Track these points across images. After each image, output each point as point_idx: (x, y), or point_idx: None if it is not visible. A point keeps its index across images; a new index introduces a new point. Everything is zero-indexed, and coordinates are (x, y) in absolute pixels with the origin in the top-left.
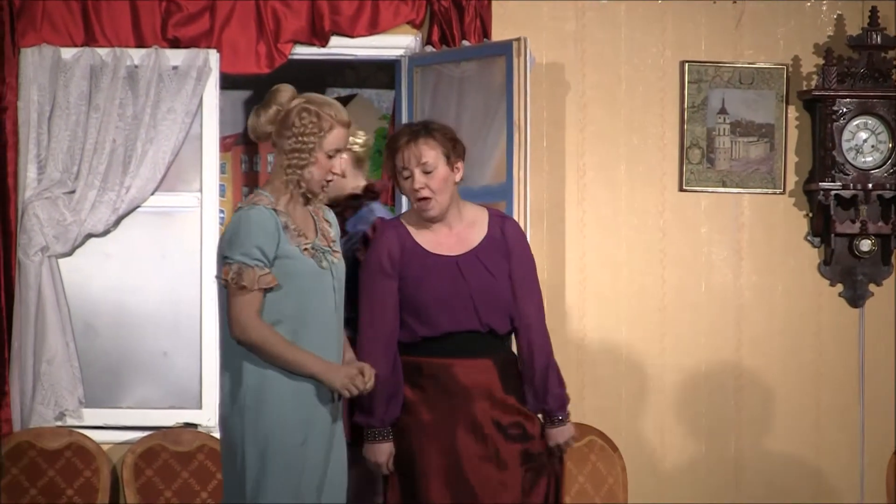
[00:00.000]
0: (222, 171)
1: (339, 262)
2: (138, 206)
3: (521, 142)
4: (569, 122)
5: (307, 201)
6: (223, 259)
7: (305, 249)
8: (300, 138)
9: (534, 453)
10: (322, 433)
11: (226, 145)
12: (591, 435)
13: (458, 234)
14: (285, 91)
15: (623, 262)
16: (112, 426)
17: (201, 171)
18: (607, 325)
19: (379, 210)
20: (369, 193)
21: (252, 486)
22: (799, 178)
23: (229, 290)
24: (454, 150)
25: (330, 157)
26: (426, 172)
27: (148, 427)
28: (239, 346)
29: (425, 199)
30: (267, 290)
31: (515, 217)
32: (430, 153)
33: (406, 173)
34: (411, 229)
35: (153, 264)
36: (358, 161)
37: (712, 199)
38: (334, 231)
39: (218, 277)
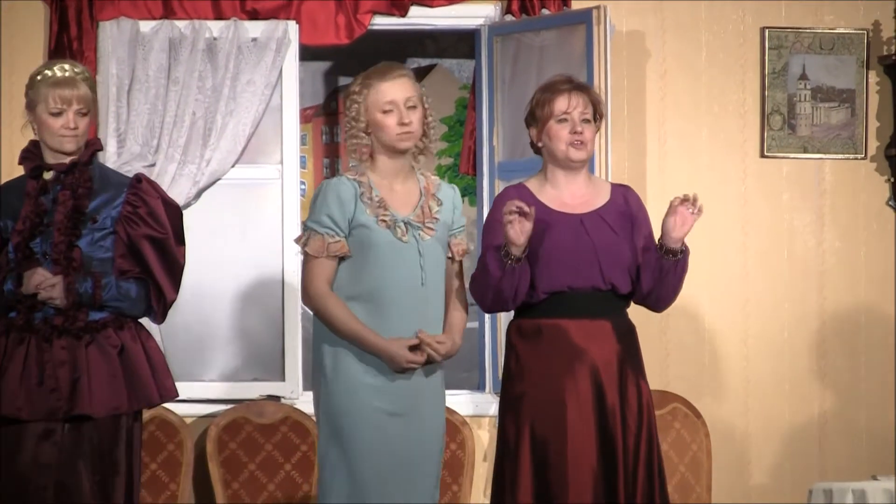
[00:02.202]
0: (303, 142)
1: (432, 240)
2: (219, 179)
3: (602, 113)
4: (649, 90)
5: (408, 169)
6: (302, 226)
7: (382, 220)
8: (348, 113)
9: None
10: (395, 412)
11: (306, 117)
12: (675, 402)
13: (582, 195)
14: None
15: (705, 230)
16: (195, 399)
17: (282, 143)
18: (690, 293)
19: None
20: None
21: (321, 462)
22: (880, 144)
23: (304, 257)
24: (601, 111)
25: (385, 111)
26: (584, 121)
27: (231, 400)
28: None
29: (581, 143)
30: (342, 260)
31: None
32: (589, 108)
33: (565, 117)
34: (534, 190)
35: (234, 237)
36: None
37: (794, 165)
38: (444, 210)
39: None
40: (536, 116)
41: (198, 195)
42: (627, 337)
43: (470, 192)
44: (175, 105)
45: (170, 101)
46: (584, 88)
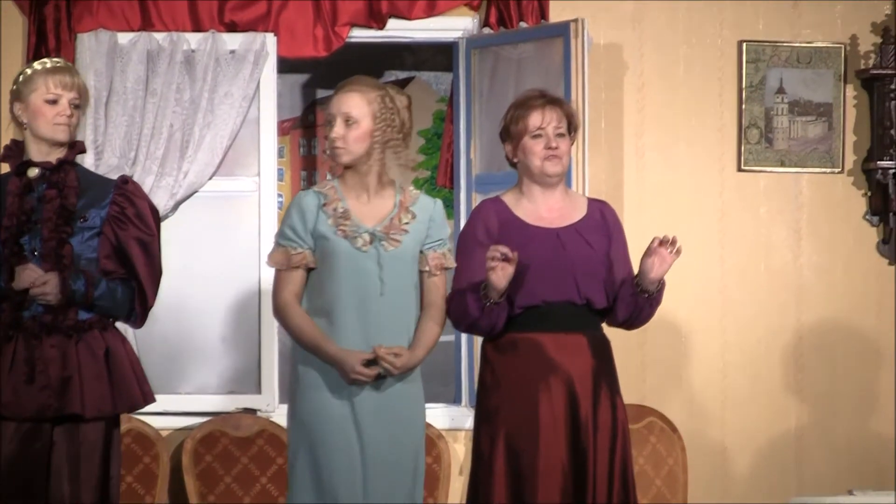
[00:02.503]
0: (280, 154)
1: (395, 250)
2: (196, 192)
3: (579, 124)
4: (627, 103)
5: (379, 182)
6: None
7: (341, 230)
8: None
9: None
10: (350, 424)
11: (283, 129)
12: (651, 416)
13: (559, 209)
14: None
15: (682, 244)
16: (171, 412)
17: (259, 156)
18: (667, 307)
19: None
20: None
21: (289, 468)
22: (857, 157)
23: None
24: (575, 123)
25: (328, 124)
26: (558, 135)
27: (207, 413)
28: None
29: (556, 157)
30: (309, 271)
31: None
32: (563, 120)
33: (539, 132)
34: (510, 204)
35: (211, 249)
36: None
37: (771, 178)
38: (417, 222)
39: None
40: (511, 132)
41: (175, 207)
42: (602, 351)
43: (447, 205)
44: (153, 117)
45: (147, 113)
46: (557, 102)
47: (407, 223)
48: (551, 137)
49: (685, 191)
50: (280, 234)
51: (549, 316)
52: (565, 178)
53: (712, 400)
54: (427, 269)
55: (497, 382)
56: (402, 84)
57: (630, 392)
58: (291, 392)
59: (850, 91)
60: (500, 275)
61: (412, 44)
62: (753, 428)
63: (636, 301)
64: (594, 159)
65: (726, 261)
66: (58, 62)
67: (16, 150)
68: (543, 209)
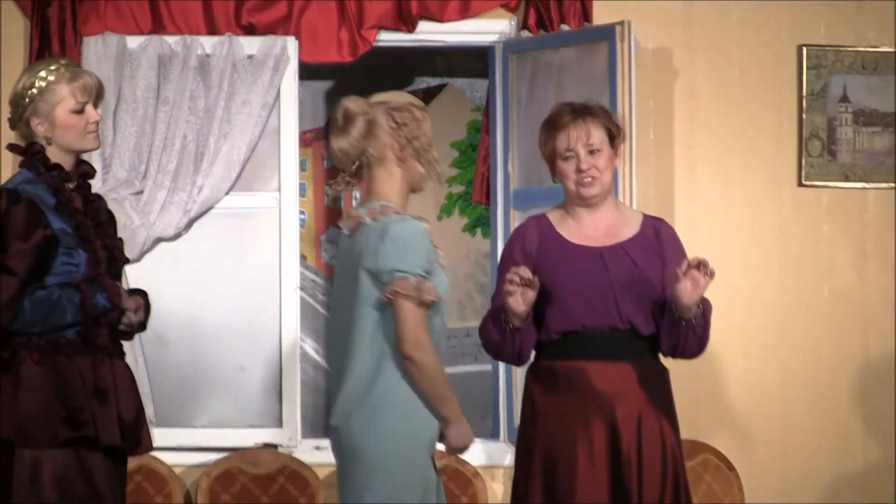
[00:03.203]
0: (302, 168)
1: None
2: (211, 208)
3: (626, 134)
4: (677, 111)
5: None
6: (395, 272)
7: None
8: (405, 135)
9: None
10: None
11: (306, 140)
12: (706, 453)
13: (607, 226)
14: (357, 100)
15: (737, 265)
16: (185, 447)
17: (279, 169)
18: (721, 334)
19: None
20: None
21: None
22: None
23: (403, 304)
24: (617, 130)
25: (565, 158)
26: (592, 153)
27: (224, 448)
28: (392, 369)
29: (591, 179)
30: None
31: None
32: (597, 133)
33: (569, 154)
34: (555, 221)
35: (228, 270)
36: None
37: (834, 194)
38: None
39: (381, 290)
40: (545, 155)
41: (189, 225)
42: (653, 381)
43: (483, 223)
44: (164, 127)
45: (159, 122)
46: (588, 113)
47: None
48: (582, 158)
49: (740, 208)
50: (422, 266)
51: (590, 342)
52: (613, 192)
53: (771, 436)
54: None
55: (535, 416)
56: (433, 92)
57: (683, 427)
58: (384, 424)
59: None
60: (518, 300)
61: (444, 48)
62: (817, 466)
63: (676, 329)
64: (641, 173)
65: (785, 284)
66: (68, 64)
67: (43, 156)
68: (589, 227)
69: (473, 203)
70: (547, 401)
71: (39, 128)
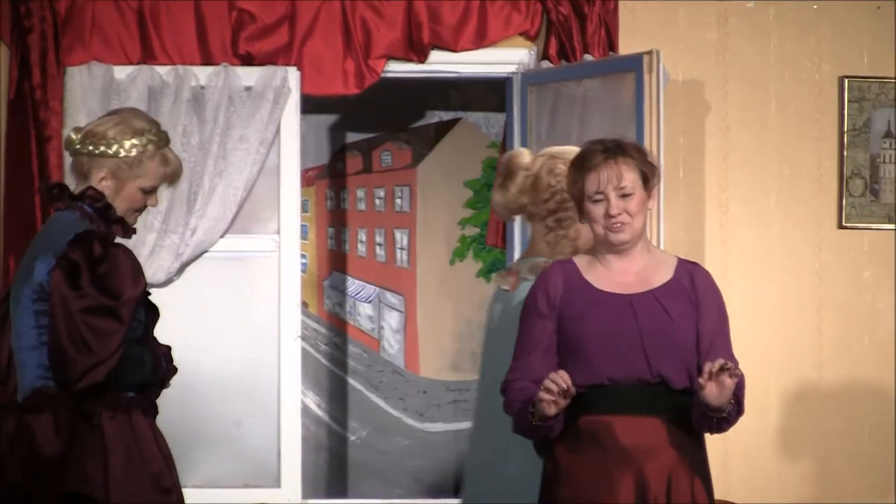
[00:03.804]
0: (304, 209)
1: None
2: (205, 251)
3: (658, 171)
4: (709, 148)
5: None
6: None
7: None
8: (560, 195)
9: None
10: None
11: (308, 179)
12: None
13: (638, 272)
14: (523, 153)
15: (773, 312)
16: None
17: (279, 210)
18: (756, 385)
19: None
20: None
21: None
22: None
23: None
24: (652, 171)
25: (595, 201)
26: (624, 196)
27: None
28: None
29: (621, 225)
30: None
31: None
32: (630, 175)
33: (599, 197)
34: (582, 267)
35: (223, 319)
36: None
37: (877, 237)
38: None
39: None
40: (573, 195)
41: (181, 270)
42: (686, 439)
43: (498, 268)
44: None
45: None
46: (621, 153)
47: None
48: (612, 202)
49: (777, 252)
50: None
51: (617, 396)
52: (645, 235)
53: (810, 494)
54: None
55: (557, 475)
56: (446, 126)
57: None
58: None
59: None
60: (553, 408)
61: (458, 79)
62: None
63: (709, 421)
64: (671, 214)
65: (824, 333)
66: (165, 138)
67: (105, 203)
68: (618, 273)
69: (489, 246)
70: (569, 458)
71: (103, 182)
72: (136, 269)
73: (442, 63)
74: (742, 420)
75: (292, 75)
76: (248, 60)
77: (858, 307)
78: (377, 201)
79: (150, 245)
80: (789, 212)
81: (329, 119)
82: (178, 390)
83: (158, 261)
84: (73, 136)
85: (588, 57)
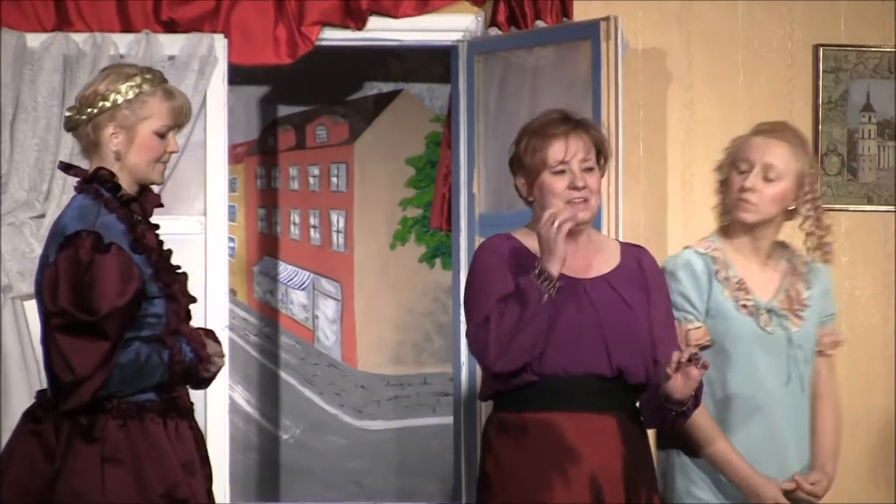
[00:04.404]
0: (232, 188)
1: (802, 329)
2: None
3: (612, 148)
4: (672, 122)
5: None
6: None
7: (744, 306)
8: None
9: None
10: None
11: (236, 156)
12: None
13: (584, 256)
14: None
15: None
16: None
17: (205, 189)
18: None
19: None
20: None
21: None
22: None
23: None
24: (608, 154)
25: (556, 173)
26: (586, 169)
27: None
28: None
29: (584, 201)
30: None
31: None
32: (592, 148)
33: (562, 168)
34: (529, 245)
35: None
36: None
37: (856, 219)
38: (812, 292)
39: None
40: (525, 165)
41: None
42: (638, 439)
43: (443, 253)
44: (71, 140)
45: (65, 134)
46: (584, 126)
47: (806, 295)
48: (577, 174)
49: None
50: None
51: (569, 391)
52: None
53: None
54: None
55: (502, 477)
56: (386, 99)
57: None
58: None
59: None
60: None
61: (399, 48)
62: None
63: (665, 416)
64: (630, 194)
65: None
66: (162, 78)
67: (114, 183)
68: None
69: (432, 229)
70: (515, 458)
71: (114, 139)
72: (126, 275)
73: (381, 30)
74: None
75: (219, 43)
76: (171, 27)
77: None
78: (311, 180)
79: None
80: None
81: (259, 91)
82: None
83: None
84: (70, 113)
85: (540, 23)
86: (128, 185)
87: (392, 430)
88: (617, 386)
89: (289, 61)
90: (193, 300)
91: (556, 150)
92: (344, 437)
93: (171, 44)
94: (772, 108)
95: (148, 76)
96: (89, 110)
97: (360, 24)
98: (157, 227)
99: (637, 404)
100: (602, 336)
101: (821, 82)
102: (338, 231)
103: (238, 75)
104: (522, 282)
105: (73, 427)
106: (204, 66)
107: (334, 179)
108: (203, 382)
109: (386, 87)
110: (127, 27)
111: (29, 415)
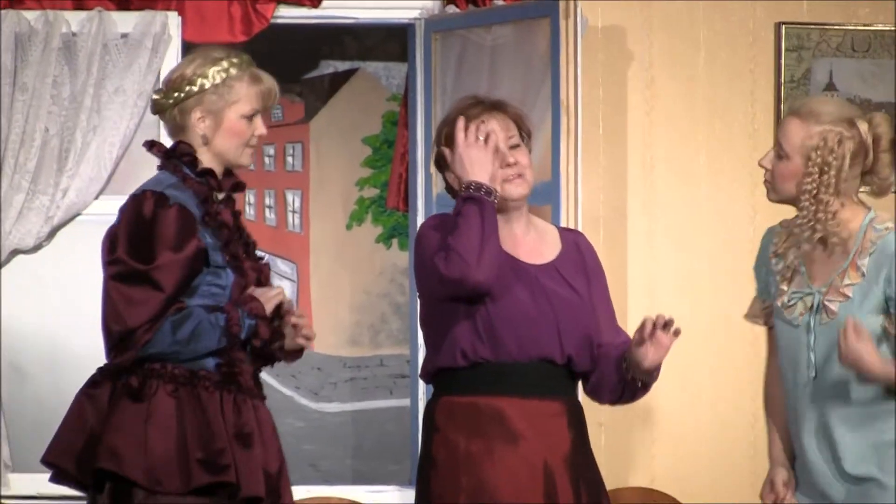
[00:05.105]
0: None
1: (833, 321)
2: (78, 214)
3: (571, 128)
4: (632, 102)
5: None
6: None
7: (781, 296)
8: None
9: None
10: None
11: None
12: (663, 503)
13: (528, 243)
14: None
15: (703, 285)
16: (46, 496)
17: None
18: (683, 367)
19: None
20: None
21: None
22: None
23: None
24: (529, 133)
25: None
26: (513, 147)
27: (64, 496)
28: None
29: (519, 176)
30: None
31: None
32: (513, 124)
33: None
34: None
35: (98, 288)
36: None
37: None
38: (865, 278)
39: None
40: (447, 157)
41: (51, 234)
42: (579, 422)
43: (400, 233)
44: (23, 119)
45: (15, 113)
46: (500, 106)
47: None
48: (505, 152)
49: (706, 216)
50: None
51: (518, 375)
52: (527, 198)
53: (739, 484)
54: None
55: (451, 458)
56: (342, 78)
57: (637, 473)
58: None
59: None
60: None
61: (356, 26)
62: None
63: (628, 388)
64: (589, 174)
65: None
66: (250, 62)
67: (192, 157)
68: (509, 243)
69: (389, 209)
70: (460, 442)
71: (201, 123)
72: (186, 230)
73: (337, 8)
74: (669, 401)
75: (173, 21)
76: (124, 4)
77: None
78: (266, 160)
79: (17, 207)
80: (720, 172)
81: None
82: (47, 367)
83: (27, 224)
84: (157, 96)
85: (498, 1)
86: (215, 168)
87: (348, 413)
88: (565, 372)
89: (243, 39)
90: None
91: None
92: (300, 420)
93: (125, 21)
94: (733, 87)
95: (235, 60)
96: (176, 94)
97: (315, 2)
98: (234, 205)
99: (576, 388)
100: (556, 323)
101: (783, 61)
102: (293, 211)
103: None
104: (466, 199)
105: (123, 387)
106: (158, 44)
107: (290, 159)
108: (286, 355)
109: (342, 66)
110: (79, 4)
111: (90, 380)
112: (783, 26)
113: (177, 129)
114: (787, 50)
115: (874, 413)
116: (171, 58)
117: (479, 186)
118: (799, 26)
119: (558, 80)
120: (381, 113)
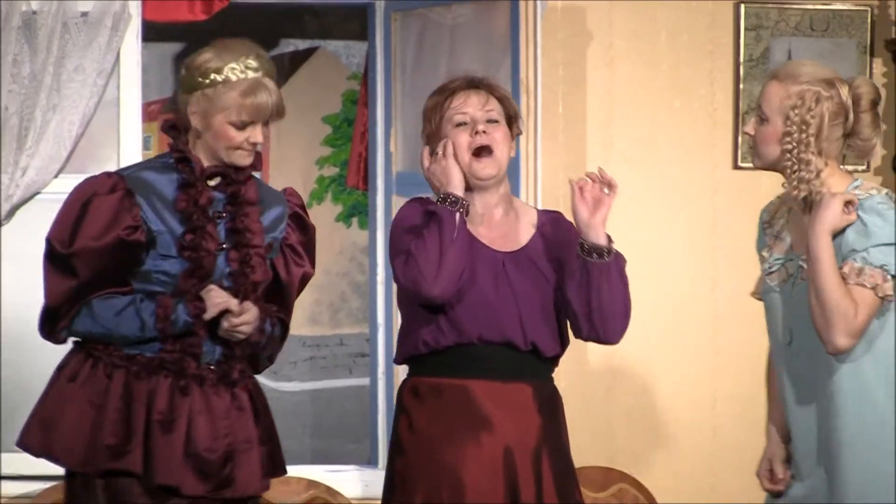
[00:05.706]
0: (146, 146)
1: (804, 283)
2: (38, 193)
3: (531, 107)
4: (592, 81)
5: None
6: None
7: (764, 262)
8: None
9: None
10: None
11: (150, 113)
12: (622, 483)
13: (502, 227)
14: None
15: (663, 262)
16: (8, 476)
17: (119, 148)
18: (643, 345)
19: None
20: None
21: None
22: (887, 152)
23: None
24: (515, 115)
25: (458, 125)
26: (490, 121)
27: (54, 476)
28: None
29: (487, 150)
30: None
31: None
32: (495, 103)
33: (463, 118)
34: None
35: None
36: None
37: (776, 179)
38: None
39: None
40: (426, 130)
41: (10, 214)
42: (551, 407)
43: (360, 212)
44: None
45: None
46: (486, 84)
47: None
48: (480, 123)
49: (667, 194)
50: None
51: (485, 358)
52: (504, 182)
53: (698, 463)
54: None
55: (414, 441)
56: (302, 56)
57: (596, 452)
58: None
59: (878, 67)
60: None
61: (315, 5)
62: (748, 497)
63: (588, 271)
64: (549, 154)
65: (719, 283)
66: (258, 69)
67: (176, 144)
68: (481, 227)
69: (349, 188)
70: (428, 423)
71: (193, 117)
72: (114, 220)
73: None
74: (628, 377)
75: (133, 0)
76: None
77: (756, 256)
78: None
79: None
80: (680, 151)
81: (174, 48)
82: (7, 346)
83: None
84: (181, 72)
85: None
86: (212, 160)
87: (308, 392)
88: (532, 358)
89: (203, 17)
90: (253, 281)
91: (457, 102)
92: None
93: (85, 0)
94: (694, 67)
95: (237, 66)
96: (188, 80)
97: None
98: (239, 191)
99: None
100: (517, 310)
101: (742, 40)
102: None
103: (152, 32)
104: (432, 213)
105: (62, 367)
106: (118, 22)
107: None
108: (251, 347)
109: (302, 45)
110: None
111: (63, 359)
112: (742, 5)
113: (179, 111)
114: (746, 29)
115: (838, 384)
116: (132, 36)
117: (453, 200)
118: (758, 5)
119: (518, 60)
120: (341, 92)
